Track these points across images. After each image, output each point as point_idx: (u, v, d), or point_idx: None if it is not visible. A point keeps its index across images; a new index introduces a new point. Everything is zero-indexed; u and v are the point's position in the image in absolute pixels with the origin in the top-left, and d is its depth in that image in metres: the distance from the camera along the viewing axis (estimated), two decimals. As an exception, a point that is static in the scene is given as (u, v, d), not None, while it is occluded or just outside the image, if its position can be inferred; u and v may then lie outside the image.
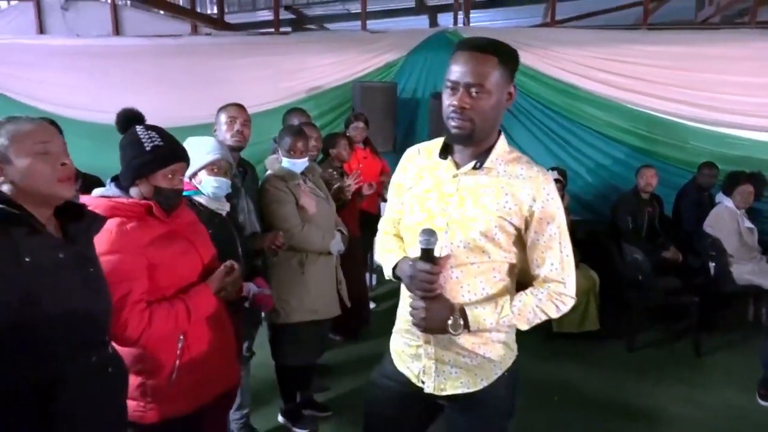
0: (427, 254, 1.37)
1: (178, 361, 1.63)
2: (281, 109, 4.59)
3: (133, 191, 1.67)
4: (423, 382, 1.54)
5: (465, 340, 1.47)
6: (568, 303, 1.46)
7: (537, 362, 3.55)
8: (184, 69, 5.56)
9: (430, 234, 1.36)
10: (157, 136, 1.68)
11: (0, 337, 1.17)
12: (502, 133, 1.49)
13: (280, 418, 2.94)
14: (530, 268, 1.47)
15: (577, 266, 3.65)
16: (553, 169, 4.32)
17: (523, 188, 1.42)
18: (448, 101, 1.39)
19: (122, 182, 1.68)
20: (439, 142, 1.54)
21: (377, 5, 5.88)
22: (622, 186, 4.67)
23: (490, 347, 1.50)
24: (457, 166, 1.47)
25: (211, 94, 5.29)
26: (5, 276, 1.16)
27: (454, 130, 1.40)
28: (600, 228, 4.58)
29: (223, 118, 2.52)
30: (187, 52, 5.62)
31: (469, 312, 1.41)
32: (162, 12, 5.95)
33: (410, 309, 1.43)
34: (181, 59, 5.59)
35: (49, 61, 5.74)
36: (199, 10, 6.17)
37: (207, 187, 2.05)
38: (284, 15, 5.94)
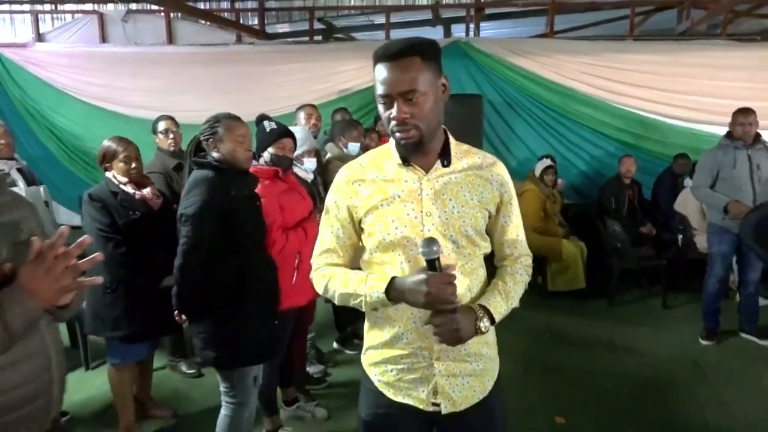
0: (433, 265, 1.31)
1: (296, 271, 2.64)
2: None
3: (261, 160, 2.69)
4: (436, 405, 1.50)
5: (472, 344, 1.46)
6: (531, 270, 1.59)
7: (534, 314, 4.55)
8: (230, 74, 6.55)
9: (432, 243, 1.30)
10: (274, 124, 2.71)
11: (219, 237, 2.18)
12: (446, 129, 1.51)
13: (335, 344, 3.97)
14: (500, 249, 1.55)
15: (567, 237, 4.73)
16: (546, 156, 5.31)
17: (491, 176, 1.46)
18: (386, 114, 1.37)
19: (256, 153, 2.70)
20: (381, 153, 1.52)
21: (398, 18, 6.88)
22: (608, 173, 5.65)
23: (489, 345, 1.55)
24: (423, 169, 1.45)
25: (254, 96, 6.37)
26: (221, 199, 2.18)
27: (402, 141, 1.39)
28: (588, 208, 5.59)
29: (302, 114, 3.55)
30: (232, 59, 6.61)
31: (488, 305, 1.43)
32: (210, 24, 6.95)
33: (435, 329, 1.35)
34: (227, 65, 6.58)
35: (111, 67, 6.73)
36: (242, 21, 7.18)
37: (307, 165, 3.07)
38: (317, 26, 6.96)
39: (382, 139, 5.05)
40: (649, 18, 6.70)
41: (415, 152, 1.42)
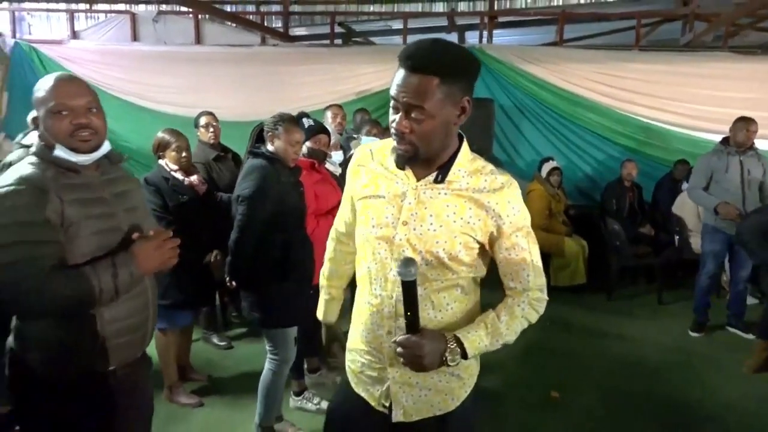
0: (409, 288, 1.27)
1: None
2: None
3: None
4: (386, 407, 1.49)
5: None
6: (544, 305, 1.48)
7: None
8: (255, 73, 6.94)
9: (409, 264, 1.26)
10: (312, 121, 3.10)
11: (269, 217, 2.57)
12: (464, 140, 1.44)
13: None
14: (503, 280, 1.47)
15: (570, 235, 5.10)
16: (550, 159, 5.68)
17: (487, 203, 1.37)
18: (392, 118, 1.34)
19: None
20: (390, 145, 1.44)
21: (415, 24, 7.25)
22: (611, 176, 6.00)
23: (460, 368, 1.45)
24: (417, 177, 1.40)
25: (276, 95, 6.77)
26: (272, 185, 2.57)
27: (398, 152, 1.36)
28: (591, 209, 5.95)
29: (329, 113, 3.95)
30: (257, 60, 7.01)
31: (463, 338, 1.36)
32: (236, 25, 7.36)
33: (399, 349, 1.32)
34: (252, 65, 6.97)
35: (141, 65, 7.14)
36: (267, 24, 7.60)
37: (335, 157, 3.47)
38: (337, 30, 7.36)
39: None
40: (656, 29, 7.04)
41: (402, 163, 1.39)
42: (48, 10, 7.83)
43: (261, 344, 2.86)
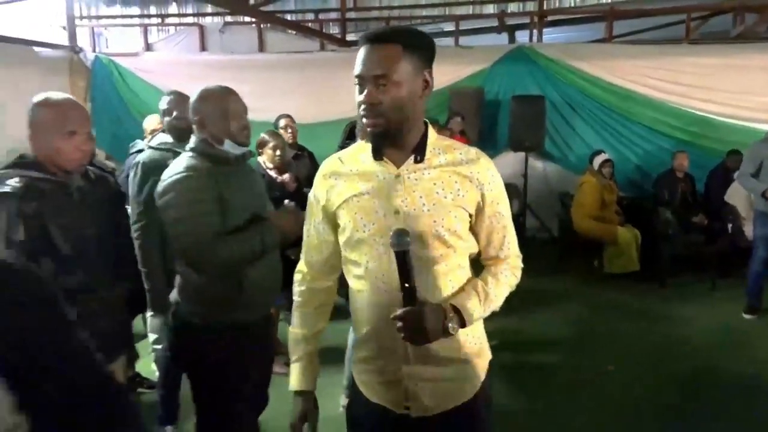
0: (402, 258, 1.27)
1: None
2: None
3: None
4: (408, 408, 1.47)
5: (444, 348, 1.41)
6: (520, 271, 1.55)
7: (592, 290, 5.23)
8: (314, 78, 7.43)
9: (402, 234, 1.27)
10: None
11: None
12: (428, 124, 1.46)
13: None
14: (485, 250, 1.50)
15: (623, 225, 5.41)
16: (602, 152, 5.95)
17: (470, 173, 1.41)
18: (358, 99, 1.35)
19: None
20: (360, 147, 1.48)
21: (467, 25, 7.63)
22: (662, 168, 6.20)
23: (469, 349, 1.48)
24: (396, 165, 1.41)
25: (335, 99, 7.22)
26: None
27: (369, 129, 1.36)
28: (643, 200, 6.19)
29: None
30: (316, 65, 7.50)
31: (460, 307, 1.38)
32: (296, 33, 7.89)
33: (399, 324, 1.30)
34: (312, 70, 7.46)
35: (209, 73, 7.65)
36: (325, 31, 8.10)
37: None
38: (392, 34, 7.80)
39: (453, 136, 5.82)
40: (706, 23, 7.20)
41: (385, 144, 1.40)
42: (123, 25, 8.54)
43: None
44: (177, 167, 2.03)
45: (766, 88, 6.25)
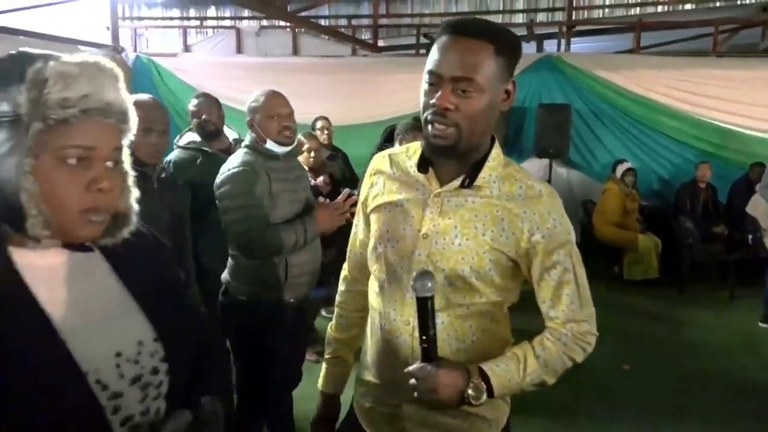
0: (425, 305, 1.11)
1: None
2: (419, 114, 6.65)
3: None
4: None
5: None
6: (593, 342, 1.28)
7: (611, 294, 5.38)
8: (347, 81, 7.67)
9: (426, 277, 1.11)
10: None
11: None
12: (497, 140, 1.27)
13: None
14: (541, 307, 1.27)
15: (643, 232, 5.57)
16: (624, 160, 6.10)
17: (523, 213, 1.20)
18: (427, 99, 1.15)
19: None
20: (413, 149, 1.32)
21: (497, 33, 7.85)
22: (685, 178, 6.33)
23: (485, 405, 1.19)
24: (440, 182, 1.23)
25: (366, 101, 7.49)
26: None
27: (433, 139, 1.15)
28: (664, 208, 6.33)
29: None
30: (349, 69, 7.76)
31: (489, 372, 1.15)
32: (330, 38, 8.18)
33: (412, 381, 1.13)
34: (344, 74, 7.72)
35: (245, 74, 8.00)
36: (357, 36, 8.38)
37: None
38: (422, 40, 8.05)
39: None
40: (734, 35, 7.31)
41: (442, 156, 1.20)
42: (163, 27, 8.93)
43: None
44: (234, 161, 2.29)
45: (790, 103, 6.34)
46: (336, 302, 1.55)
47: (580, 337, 1.25)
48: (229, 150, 3.03)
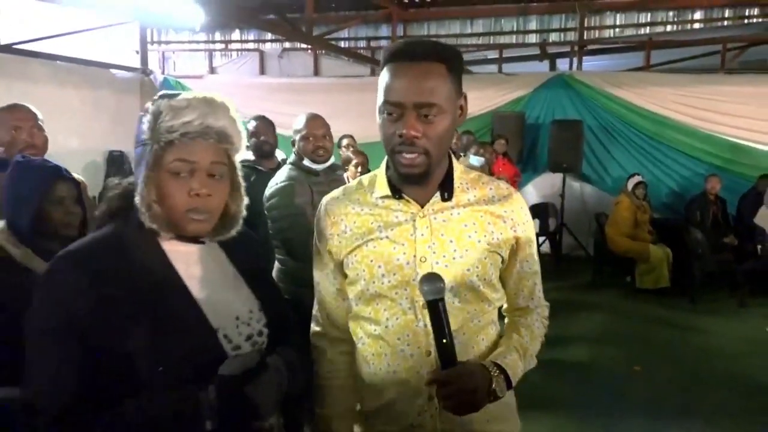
0: (436, 308, 1.08)
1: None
2: None
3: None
4: None
5: (477, 421, 1.20)
6: (547, 322, 1.38)
7: (625, 303, 5.65)
8: (366, 101, 7.76)
9: (434, 279, 1.08)
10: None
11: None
12: (452, 155, 1.28)
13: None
14: (514, 299, 1.34)
15: (655, 243, 5.86)
16: (636, 174, 6.37)
17: (503, 212, 1.25)
18: (392, 129, 1.13)
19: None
20: (368, 182, 1.31)
21: (510, 53, 8.16)
22: (695, 191, 6.60)
23: (502, 420, 1.28)
24: (418, 203, 1.23)
25: (384, 120, 7.82)
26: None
27: (404, 169, 1.15)
28: (675, 220, 6.59)
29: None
30: (368, 89, 7.94)
31: (503, 365, 1.18)
32: (349, 59, 8.57)
33: (441, 390, 1.10)
34: (364, 93, 7.91)
35: (269, 95, 8.38)
36: (376, 57, 8.75)
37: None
38: (438, 60, 8.41)
39: (497, 157, 6.32)
40: (744, 52, 7.57)
41: (414, 183, 1.21)
42: (190, 50, 9.39)
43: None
44: (281, 177, 2.63)
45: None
46: (323, 376, 1.38)
47: (544, 320, 1.38)
48: (277, 169, 3.34)
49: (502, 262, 1.28)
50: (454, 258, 1.21)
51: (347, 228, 1.28)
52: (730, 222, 6.40)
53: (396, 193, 1.24)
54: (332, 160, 2.76)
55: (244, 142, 1.24)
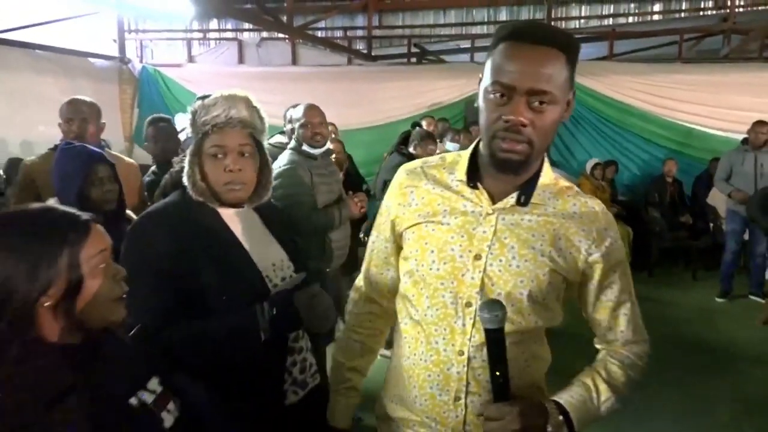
0: (498, 337, 1.03)
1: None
2: (411, 119, 7.19)
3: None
4: None
5: None
6: (646, 359, 1.25)
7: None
8: (343, 89, 8.27)
9: (495, 306, 1.03)
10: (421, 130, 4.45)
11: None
12: (545, 154, 1.19)
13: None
14: (597, 330, 1.25)
15: (617, 222, 6.33)
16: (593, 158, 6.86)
17: (581, 231, 1.14)
18: (497, 113, 1.05)
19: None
20: (449, 160, 1.24)
21: (481, 43, 8.56)
22: (655, 174, 7.11)
23: None
24: (491, 198, 1.15)
25: (361, 108, 8.16)
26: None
27: (503, 154, 1.07)
28: (636, 201, 7.10)
29: (424, 122, 5.29)
30: (345, 77, 8.40)
31: (567, 406, 1.11)
32: (326, 48, 8.85)
33: (487, 425, 1.06)
34: (341, 82, 8.34)
35: (247, 83, 8.48)
36: (353, 47, 9.07)
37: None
38: (413, 50, 8.76)
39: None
40: (700, 43, 8.09)
41: (506, 172, 1.12)
42: (168, 39, 9.54)
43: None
44: (283, 160, 2.98)
45: (745, 103, 7.08)
46: (348, 326, 1.42)
47: (640, 358, 1.24)
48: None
49: (565, 283, 1.19)
50: (510, 265, 1.13)
51: (414, 201, 1.23)
52: (686, 202, 6.94)
53: (471, 181, 1.17)
54: (328, 145, 3.11)
55: (267, 126, 1.62)
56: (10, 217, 1.03)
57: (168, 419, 1.08)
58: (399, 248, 1.29)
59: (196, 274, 1.42)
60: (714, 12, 8.40)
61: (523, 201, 1.15)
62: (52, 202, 2.10)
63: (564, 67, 1.06)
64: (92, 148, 2.22)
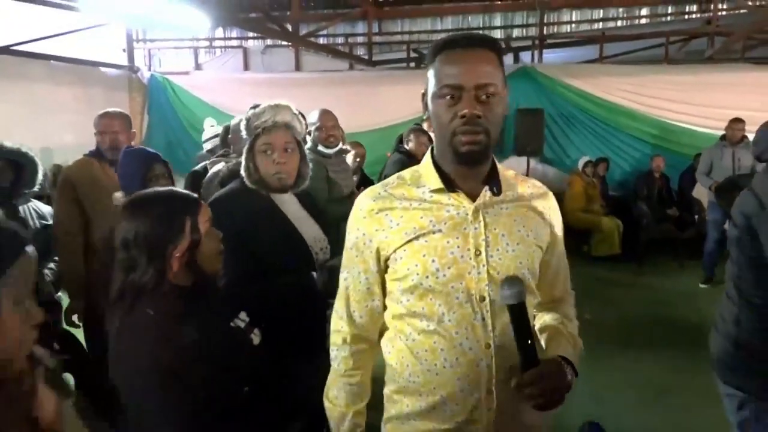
0: (522, 311, 1.14)
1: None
2: (411, 121, 7.59)
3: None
4: None
5: (533, 416, 1.26)
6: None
7: (581, 269, 6.41)
8: (345, 94, 8.64)
9: (514, 283, 1.15)
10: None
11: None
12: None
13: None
14: (549, 292, 1.42)
15: (606, 215, 6.91)
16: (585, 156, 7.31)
17: (544, 209, 1.33)
18: (451, 113, 1.18)
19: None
20: (410, 177, 1.32)
21: (476, 48, 9.03)
22: (644, 169, 7.55)
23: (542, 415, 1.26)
24: (470, 198, 1.26)
25: (363, 112, 8.56)
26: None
27: (466, 147, 1.18)
28: (626, 196, 7.55)
29: (425, 124, 5.73)
30: (347, 82, 8.80)
31: (569, 357, 1.28)
32: (328, 55, 9.28)
33: (528, 390, 1.13)
34: (343, 87, 8.72)
35: (252, 89, 8.94)
36: (354, 53, 9.50)
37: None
38: (412, 55, 9.19)
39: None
40: (686, 45, 8.54)
41: (472, 166, 1.24)
42: (175, 47, 9.97)
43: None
44: (302, 159, 3.41)
45: (728, 101, 7.50)
46: (340, 372, 1.39)
47: (574, 308, 1.49)
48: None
49: (543, 255, 1.34)
50: (507, 252, 1.25)
51: (393, 223, 1.27)
52: (672, 196, 7.39)
53: (450, 186, 1.26)
54: (340, 145, 3.55)
55: (304, 128, 2.09)
56: (151, 196, 1.47)
57: (255, 340, 1.53)
58: (383, 275, 1.32)
59: (262, 244, 1.87)
60: (698, 15, 8.87)
61: (496, 191, 1.27)
62: (118, 196, 2.54)
63: (498, 66, 1.22)
64: (149, 149, 2.65)
